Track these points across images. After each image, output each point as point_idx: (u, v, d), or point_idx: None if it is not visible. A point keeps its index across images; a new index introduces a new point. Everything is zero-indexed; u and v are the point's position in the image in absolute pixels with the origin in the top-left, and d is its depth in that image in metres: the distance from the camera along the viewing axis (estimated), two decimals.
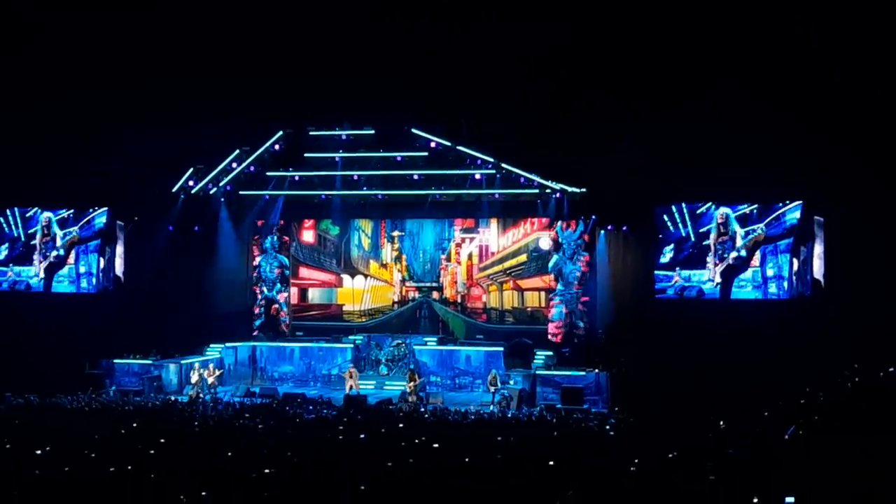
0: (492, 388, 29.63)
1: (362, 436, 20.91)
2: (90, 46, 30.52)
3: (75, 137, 33.68)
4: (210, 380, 30.93)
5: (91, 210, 35.95)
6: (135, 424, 22.51)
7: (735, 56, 28.21)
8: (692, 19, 27.95)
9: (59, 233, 36.09)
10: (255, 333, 37.29)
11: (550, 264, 34.63)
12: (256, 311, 37.82)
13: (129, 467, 16.64)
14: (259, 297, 37.75)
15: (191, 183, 35.30)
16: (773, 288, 30.98)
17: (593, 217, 33.23)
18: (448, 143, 33.00)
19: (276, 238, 37.73)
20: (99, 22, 29.86)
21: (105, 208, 35.82)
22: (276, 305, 37.64)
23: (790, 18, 26.96)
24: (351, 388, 30.76)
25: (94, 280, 35.81)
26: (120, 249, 35.87)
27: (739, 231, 31.58)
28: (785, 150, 28.96)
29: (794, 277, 30.79)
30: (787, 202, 31.05)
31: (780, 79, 28.26)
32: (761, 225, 31.36)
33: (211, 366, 31.80)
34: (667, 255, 32.35)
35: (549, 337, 34.02)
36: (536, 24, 29.02)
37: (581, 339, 33.55)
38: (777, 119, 28.72)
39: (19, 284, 36.44)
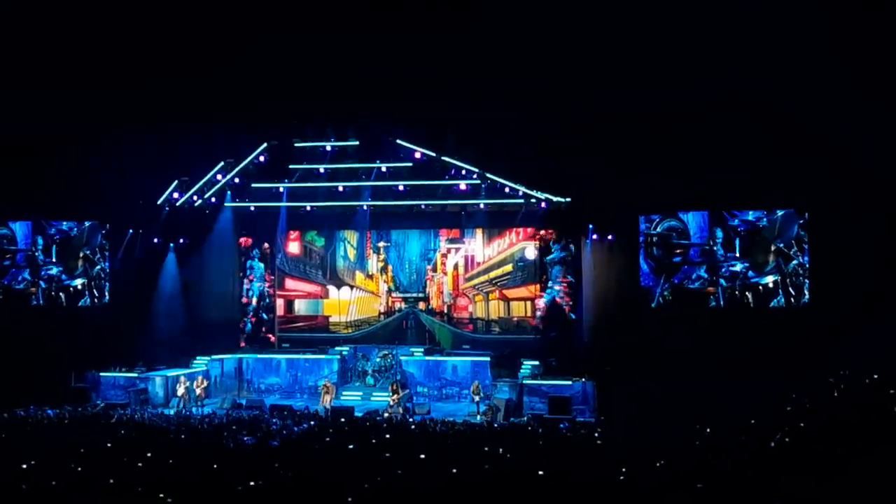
0: (476, 398, 29.73)
1: (350, 446, 20.89)
2: (76, 57, 30.40)
3: (61, 149, 33.52)
4: (197, 391, 30.97)
5: (76, 222, 35.79)
6: (121, 437, 22.44)
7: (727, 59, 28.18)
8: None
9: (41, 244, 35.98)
10: (247, 320, 37.88)
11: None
12: (245, 301, 38.18)
13: (112, 481, 16.57)
14: (248, 288, 38.08)
15: (176, 195, 35.22)
16: (762, 295, 30.97)
17: (578, 227, 33.28)
18: (433, 154, 33.01)
19: (260, 250, 37.96)
20: (86, 32, 29.76)
21: (90, 221, 35.69)
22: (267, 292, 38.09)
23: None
24: (327, 401, 30.73)
25: (80, 292, 35.63)
26: (107, 261, 35.67)
27: (719, 237, 31.64)
28: (773, 160, 29.00)
29: (785, 285, 30.83)
30: (778, 210, 31.05)
31: (768, 82, 28.25)
32: (750, 231, 31.41)
33: (200, 377, 31.84)
34: (651, 262, 32.32)
35: (535, 314, 34.86)
36: (520, 32, 29.02)
37: (567, 328, 33.87)
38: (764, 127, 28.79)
39: None
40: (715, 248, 31.51)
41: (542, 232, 35.12)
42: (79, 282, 35.46)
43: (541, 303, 35.02)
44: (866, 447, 13.66)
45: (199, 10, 28.91)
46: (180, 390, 30.89)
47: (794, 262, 30.75)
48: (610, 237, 32.95)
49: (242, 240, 38.22)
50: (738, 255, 31.26)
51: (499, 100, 30.79)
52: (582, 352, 32.77)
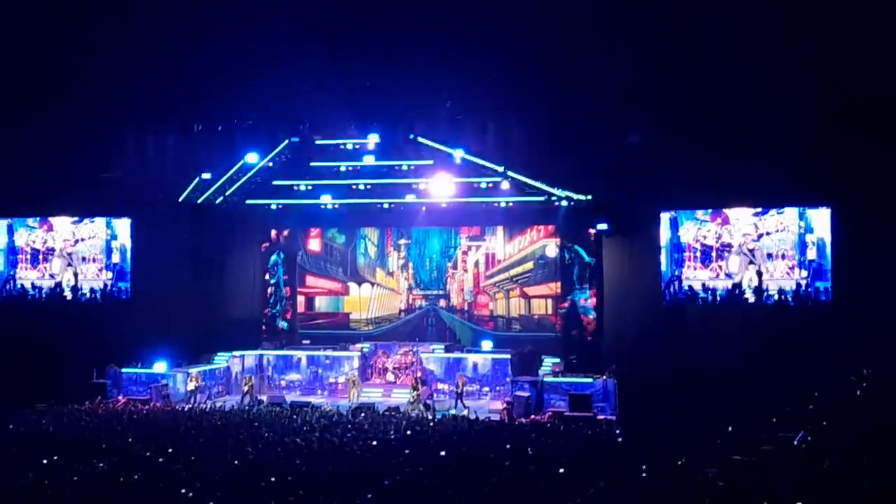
0: (458, 390, 29.95)
1: (374, 443, 20.94)
2: (98, 53, 30.44)
3: (84, 146, 33.68)
4: (245, 388, 31.37)
5: (96, 219, 35.96)
6: (142, 433, 22.51)
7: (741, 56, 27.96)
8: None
9: (62, 240, 36.16)
10: (278, 318, 38.26)
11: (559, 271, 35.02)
12: (268, 297, 38.43)
13: (136, 476, 16.65)
14: (270, 284, 38.42)
15: (197, 192, 35.28)
16: (780, 291, 30.76)
17: (599, 225, 33.13)
18: (454, 151, 32.91)
19: (281, 247, 38.20)
20: (106, 30, 29.80)
21: (110, 217, 35.85)
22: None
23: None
24: (354, 395, 30.94)
25: (101, 288, 35.78)
26: (128, 258, 35.79)
27: (740, 235, 31.45)
28: (788, 157, 28.78)
29: (802, 281, 30.63)
30: (802, 207, 30.86)
31: (785, 78, 28.03)
32: (772, 228, 31.24)
33: (248, 375, 32.57)
34: (671, 259, 32.15)
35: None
36: (538, 29, 28.92)
37: (587, 333, 33.80)
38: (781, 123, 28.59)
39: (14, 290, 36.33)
40: (736, 244, 31.40)
41: (564, 229, 35.01)
42: (101, 278, 35.70)
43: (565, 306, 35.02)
44: (891, 445, 13.56)
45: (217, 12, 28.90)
46: (190, 385, 31.21)
47: (819, 257, 30.58)
48: (631, 233, 32.83)
49: (263, 236, 38.31)
50: (759, 251, 31.14)
51: (520, 97, 30.72)
52: (603, 349, 32.71)
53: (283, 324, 38.36)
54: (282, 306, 38.51)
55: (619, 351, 31.55)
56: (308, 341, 36.57)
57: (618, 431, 23.60)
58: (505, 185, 33.31)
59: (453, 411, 28.81)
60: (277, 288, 38.58)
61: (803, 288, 30.42)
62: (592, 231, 33.75)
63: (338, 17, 28.76)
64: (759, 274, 30.62)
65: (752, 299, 30.90)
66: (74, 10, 28.90)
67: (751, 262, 31.24)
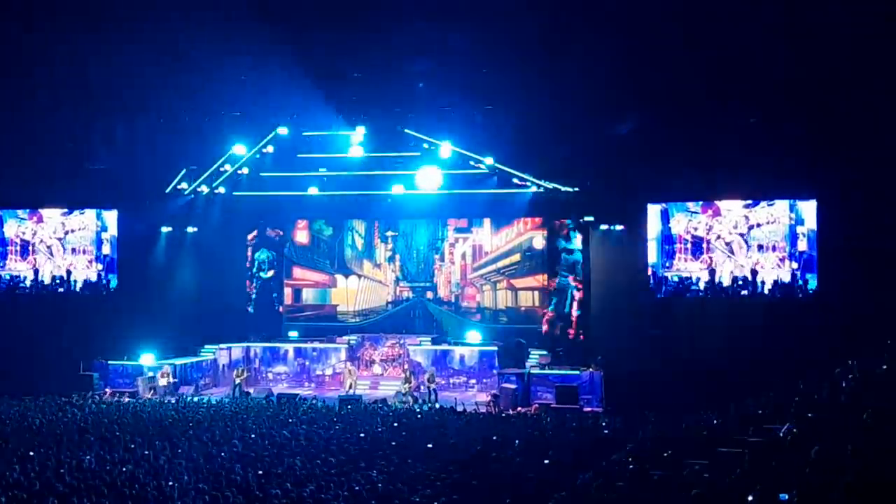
0: (430, 386, 29.95)
1: (362, 434, 20.98)
2: (87, 46, 30.29)
3: (69, 137, 33.55)
4: (237, 380, 31.31)
5: (86, 210, 35.82)
6: (129, 426, 22.50)
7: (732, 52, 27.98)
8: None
9: (51, 232, 36.02)
10: (250, 310, 38.03)
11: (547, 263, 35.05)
12: (251, 288, 38.36)
13: (123, 468, 16.64)
14: (256, 276, 38.34)
15: (184, 184, 35.23)
16: (768, 284, 30.82)
17: (586, 217, 33.21)
18: (441, 143, 32.91)
19: (268, 239, 38.09)
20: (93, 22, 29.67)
21: (98, 209, 35.72)
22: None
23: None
24: (350, 385, 31.03)
25: (94, 280, 35.66)
26: (114, 249, 35.67)
27: (730, 228, 31.48)
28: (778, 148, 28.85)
29: (789, 272, 30.69)
30: (792, 199, 30.91)
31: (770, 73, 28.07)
32: (759, 220, 31.27)
33: (241, 367, 32.71)
34: (662, 251, 32.14)
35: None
36: (526, 20, 28.87)
37: (571, 331, 33.86)
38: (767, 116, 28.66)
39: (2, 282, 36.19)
40: (724, 237, 31.44)
41: (551, 221, 35.05)
42: (90, 270, 35.60)
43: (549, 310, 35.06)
44: (876, 438, 13.61)
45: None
46: (162, 381, 31.09)
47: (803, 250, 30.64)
48: (618, 226, 32.86)
49: (250, 228, 38.22)
50: (747, 244, 31.20)
51: (508, 89, 30.67)
52: (589, 341, 32.75)
53: (280, 307, 38.34)
54: (258, 298, 38.43)
55: (605, 343, 31.57)
56: (295, 333, 36.55)
57: (604, 423, 23.68)
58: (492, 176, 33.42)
59: (429, 404, 28.89)
60: (259, 279, 38.49)
61: (793, 279, 30.46)
62: (580, 223, 33.81)
63: (326, 7, 28.70)
64: (754, 272, 30.61)
65: (744, 292, 30.91)
66: (65, 3, 28.78)
67: (729, 256, 31.27)
